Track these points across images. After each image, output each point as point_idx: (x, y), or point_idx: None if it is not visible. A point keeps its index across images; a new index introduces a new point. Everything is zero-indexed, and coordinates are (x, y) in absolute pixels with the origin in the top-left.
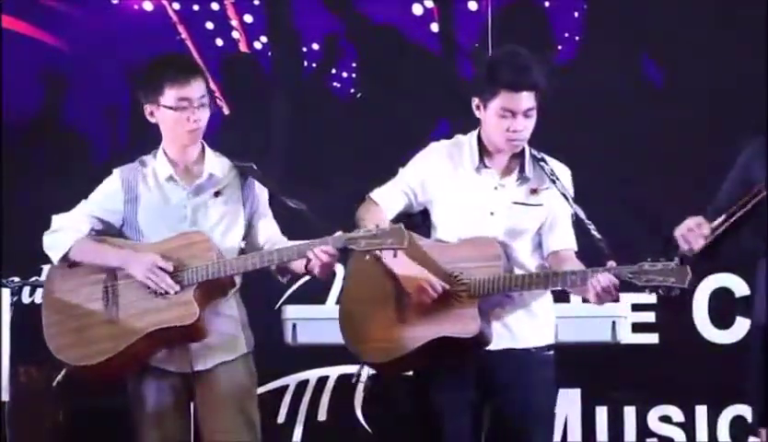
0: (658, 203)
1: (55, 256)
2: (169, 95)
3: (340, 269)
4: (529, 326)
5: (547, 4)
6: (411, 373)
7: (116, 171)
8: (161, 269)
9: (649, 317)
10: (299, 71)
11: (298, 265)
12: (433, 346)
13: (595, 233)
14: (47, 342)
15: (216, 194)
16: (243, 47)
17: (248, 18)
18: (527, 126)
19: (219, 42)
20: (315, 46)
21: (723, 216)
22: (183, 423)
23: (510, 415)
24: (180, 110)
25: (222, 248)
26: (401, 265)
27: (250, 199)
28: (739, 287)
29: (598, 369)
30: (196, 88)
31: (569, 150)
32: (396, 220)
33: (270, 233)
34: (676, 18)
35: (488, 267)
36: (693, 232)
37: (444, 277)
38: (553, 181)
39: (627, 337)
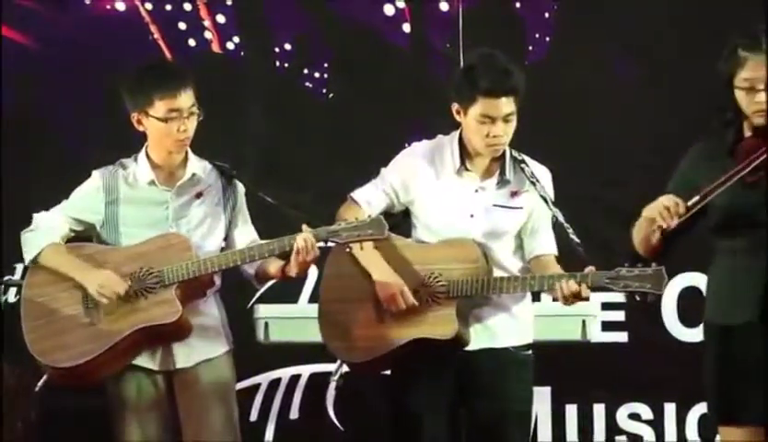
0: (634, 203)
1: (27, 257)
2: (159, 106)
3: (313, 269)
4: (508, 326)
5: (518, 4)
6: (387, 372)
7: (95, 173)
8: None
9: (619, 316)
10: (272, 71)
11: (274, 269)
12: (410, 347)
13: (573, 237)
14: (29, 346)
15: (198, 196)
16: (216, 47)
17: (220, 19)
18: (507, 131)
19: (192, 43)
20: (287, 46)
21: (698, 196)
22: (165, 420)
23: (488, 415)
24: (170, 122)
25: (204, 248)
26: (378, 270)
27: (231, 201)
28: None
29: (568, 368)
30: (186, 99)
31: (541, 151)
32: None
33: (250, 237)
34: (647, 17)
35: (467, 269)
36: (669, 210)
37: (419, 281)
38: (533, 184)
39: (597, 336)
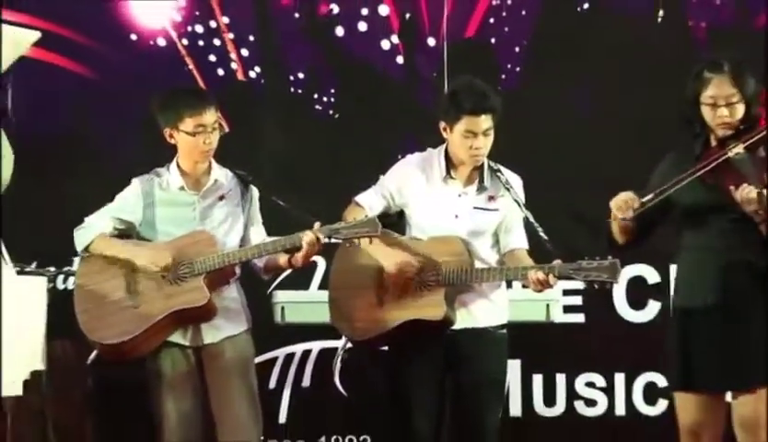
0: (595, 208)
1: (79, 248)
2: (188, 122)
3: (320, 260)
4: (486, 309)
5: (493, 40)
6: (385, 348)
7: (135, 180)
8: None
9: (577, 300)
10: (287, 95)
11: (283, 261)
12: (405, 326)
13: (542, 234)
14: (81, 326)
15: (221, 198)
16: (240, 76)
17: (244, 52)
18: (486, 144)
19: (220, 72)
20: (300, 75)
21: (652, 194)
22: (195, 388)
23: (470, 384)
24: (197, 135)
25: (227, 243)
26: (384, 254)
27: (248, 203)
28: (651, 276)
29: (534, 344)
30: (210, 116)
31: (514, 162)
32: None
33: (262, 235)
34: (604, 52)
35: (453, 261)
36: (626, 204)
37: (415, 271)
38: (508, 189)
39: (559, 317)
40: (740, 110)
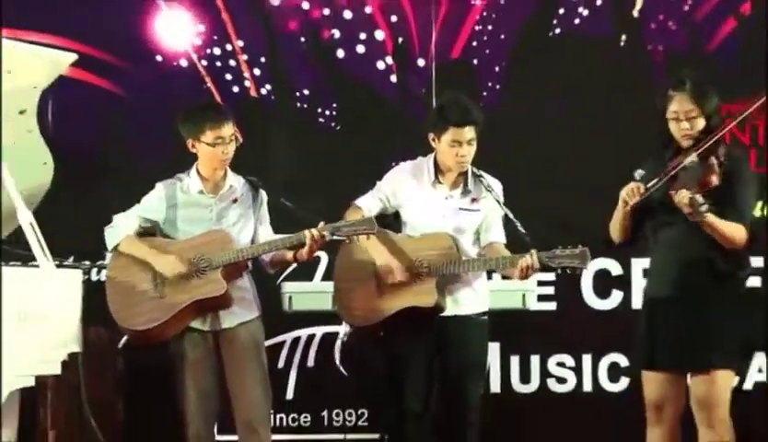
0: (567, 208)
1: (110, 245)
2: (209, 134)
3: (324, 255)
4: (470, 298)
5: (476, 61)
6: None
7: (159, 185)
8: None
9: (549, 290)
10: (294, 110)
11: (289, 256)
12: (401, 313)
13: (520, 228)
14: (113, 314)
15: (234, 201)
16: (253, 93)
17: (256, 72)
18: (470, 152)
19: (235, 89)
20: (306, 92)
21: (656, 180)
22: (213, 368)
23: (456, 364)
24: (216, 146)
25: (240, 240)
26: (380, 254)
27: (258, 206)
28: (615, 269)
29: (512, 328)
30: (228, 129)
31: (495, 168)
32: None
33: (269, 233)
34: (573, 72)
35: (443, 254)
36: (634, 191)
37: (409, 264)
38: (489, 192)
39: (533, 305)
40: (700, 123)
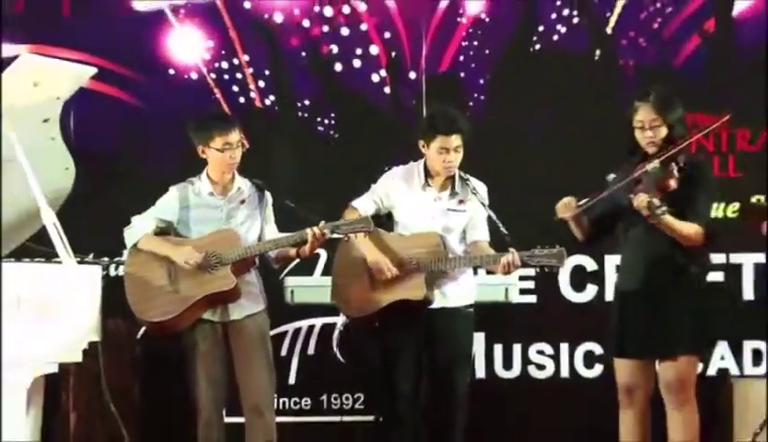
0: (546, 210)
1: (129, 244)
2: (218, 140)
3: (323, 252)
4: (457, 291)
5: (462, 74)
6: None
7: (172, 188)
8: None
9: (530, 284)
10: (296, 119)
11: (292, 253)
12: (393, 306)
13: (502, 229)
14: (131, 306)
15: (242, 202)
16: (258, 103)
17: (261, 84)
18: (456, 158)
19: (242, 100)
20: (306, 102)
21: (586, 199)
22: (223, 357)
23: (444, 353)
24: (225, 151)
25: (248, 239)
26: (372, 253)
27: (263, 207)
28: (590, 264)
29: (495, 320)
30: (235, 136)
31: (480, 172)
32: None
33: (275, 232)
34: (552, 84)
35: (432, 252)
36: (565, 205)
37: (399, 261)
38: (474, 194)
39: (515, 298)
40: (663, 132)
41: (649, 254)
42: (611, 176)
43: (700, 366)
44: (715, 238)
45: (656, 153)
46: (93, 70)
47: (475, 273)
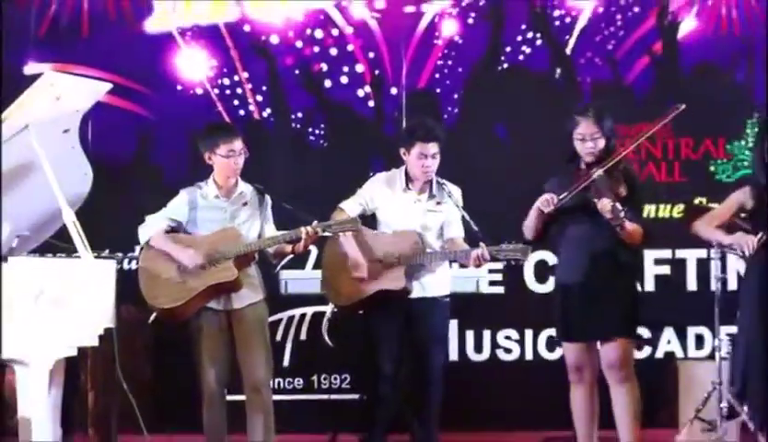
0: (513, 210)
1: (142, 240)
2: (223, 148)
3: (314, 248)
4: (435, 282)
5: (438, 89)
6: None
7: (182, 191)
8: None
9: (499, 277)
10: (290, 130)
11: (288, 249)
12: (376, 295)
13: (474, 227)
14: (144, 295)
15: (244, 204)
16: (256, 115)
17: (259, 98)
18: (434, 164)
19: (242, 112)
20: (299, 115)
21: (566, 193)
22: (225, 342)
23: (422, 338)
24: (229, 158)
25: (249, 236)
26: (352, 251)
27: (263, 208)
28: (552, 259)
29: (466, 309)
30: (238, 144)
31: (455, 179)
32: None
33: (273, 230)
34: (517, 99)
35: (411, 247)
36: (548, 200)
37: (381, 256)
38: (449, 196)
39: (485, 289)
40: (602, 143)
41: (589, 251)
42: (552, 181)
43: (648, 350)
44: (653, 237)
45: (594, 162)
46: (108, 85)
47: (450, 266)
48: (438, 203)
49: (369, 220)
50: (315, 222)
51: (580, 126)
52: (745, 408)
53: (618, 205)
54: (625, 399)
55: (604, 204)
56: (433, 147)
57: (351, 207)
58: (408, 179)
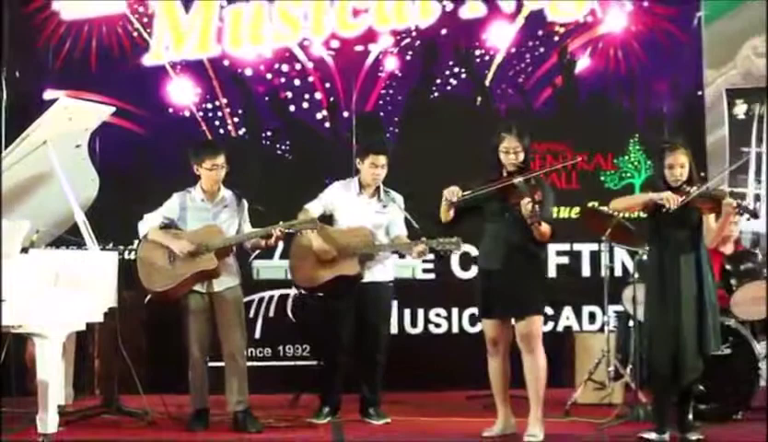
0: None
1: (141, 233)
2: (208, 162)
3: (280, 243)
4: (381, 270)
5: (382, 113)
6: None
7: (175, 195)
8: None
9: (431, 265)
10: (261, 146)
11: (261, 243)
12: (333, 280)
13: (415, 224)
14: (141, 280)
15: (225, 207)
16: (233, 134)
17: (236, 119)
18: (382, 173)
19: (222, 131)
20: (269, 133)
21: (469, 191)
22: (209, 320)
23: (370, 316)
24: (213, 170)
25: (228, 233)
26: (317, 241)
27: (240, 210)
28: (474, 251)
29: (405, 292)
30: (220, 159)
31: (397, 186)
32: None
33: (248, 229)
34: (445, 121)
35: (363, 240)
36: (452, 192)
37: (338, 247)
38: (393, 201)
39: (420, 275)
40: (522, 156)
41: (506, 242)
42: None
43: (550, 325)
44: (556, 234)
45: (515, 171)
46: (112, 109)
47: (401, 257)
48: (385, 206)
49: (327, 220)
50: (281, 222)
51: (505, 141)
52: (628, 370)
53: (537, 207)
54: (534, 364)
55: (526, 206)
56: (382, 159)
57: (314, 207)
58: (361, 185)
